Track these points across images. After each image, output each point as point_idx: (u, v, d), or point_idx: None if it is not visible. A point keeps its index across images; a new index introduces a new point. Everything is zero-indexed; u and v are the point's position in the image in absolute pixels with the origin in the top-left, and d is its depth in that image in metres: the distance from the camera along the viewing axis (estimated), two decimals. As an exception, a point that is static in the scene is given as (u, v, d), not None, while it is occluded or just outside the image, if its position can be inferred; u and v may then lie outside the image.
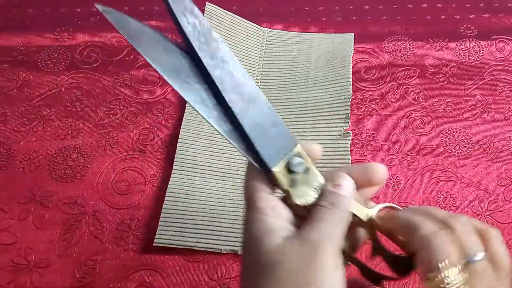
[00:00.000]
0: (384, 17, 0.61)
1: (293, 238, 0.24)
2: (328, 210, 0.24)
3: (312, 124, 0.50)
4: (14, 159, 0.49)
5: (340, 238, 0.24)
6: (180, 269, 0.43)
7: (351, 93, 0.51)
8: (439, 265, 0.23)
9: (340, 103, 0.50)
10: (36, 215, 0.46)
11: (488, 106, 0.53)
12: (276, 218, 0.25)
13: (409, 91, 0.54)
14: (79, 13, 0.61)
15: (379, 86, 0.54)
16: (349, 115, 0.49)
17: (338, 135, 0.49)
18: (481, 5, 0.61)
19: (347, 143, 0.48)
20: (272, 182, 0.25)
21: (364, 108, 0.53)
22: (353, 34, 0.57)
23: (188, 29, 0.23)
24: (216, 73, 0.23)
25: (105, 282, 0.42)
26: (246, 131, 0.24)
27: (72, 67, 0.56)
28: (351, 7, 0.62)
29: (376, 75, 0.55)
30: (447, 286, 0.22)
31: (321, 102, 0.51)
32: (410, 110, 0.52)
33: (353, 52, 0.55)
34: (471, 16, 0.60)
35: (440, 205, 0.46)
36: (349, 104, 0.50)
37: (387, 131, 0.51)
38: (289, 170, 0.25)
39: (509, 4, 0.61)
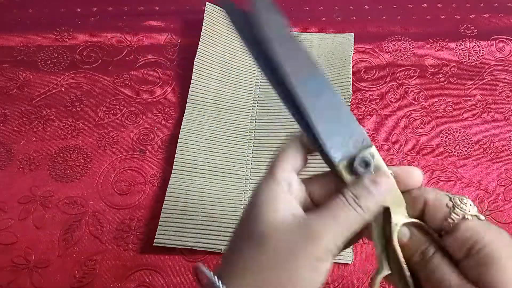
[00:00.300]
0: (384, 17, 0.61)
1: (294, 219, 0.22)
2: (345, 206, 0.22)
3: (312, 124, 0.50)
4: (14, 159, 0.49)
5: (343, 239, 0.22)
6: (180, 269, 0.43)
7: (351, 93, 0.51)
8: (454, 199, 0.24)
9: (340, 103, 0.50)
10: (36, 215, 0.46)
11: (488, 106, 0.53)
12: (288, 193, 0.23)
13: (409, 91, 0.54)
14: (79, 13, 0.61)
15: (379, 86, 0.54)
16: (349, 115, 0.49)
17: (338, 135, 0.49)
18: (481, 5, 0.61)
19: (347, 143, 0.48)
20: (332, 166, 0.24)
21: (364, 108, 0.53)
22: (353, 34, 0.57)
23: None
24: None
25: (105, 282, 0.42)
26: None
27: (72, 67, 0.56)
28: (351, 7, 0.62)
29: (376, 75, 0.55)
30: (470, 213, 0.23)
31: (321, 102, 0.51)
32: (410, 110, 0.52)
33: (353, 52, 0.55)
34: (471, 16, 0.60)
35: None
36: (349, 104, 0.50)
37: (387, 131, 0.51)
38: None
39: (509, 4, 0.61)
